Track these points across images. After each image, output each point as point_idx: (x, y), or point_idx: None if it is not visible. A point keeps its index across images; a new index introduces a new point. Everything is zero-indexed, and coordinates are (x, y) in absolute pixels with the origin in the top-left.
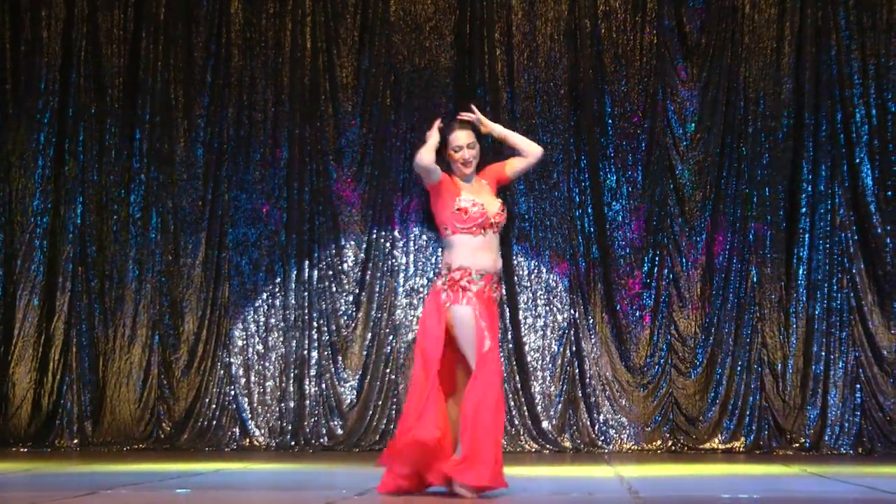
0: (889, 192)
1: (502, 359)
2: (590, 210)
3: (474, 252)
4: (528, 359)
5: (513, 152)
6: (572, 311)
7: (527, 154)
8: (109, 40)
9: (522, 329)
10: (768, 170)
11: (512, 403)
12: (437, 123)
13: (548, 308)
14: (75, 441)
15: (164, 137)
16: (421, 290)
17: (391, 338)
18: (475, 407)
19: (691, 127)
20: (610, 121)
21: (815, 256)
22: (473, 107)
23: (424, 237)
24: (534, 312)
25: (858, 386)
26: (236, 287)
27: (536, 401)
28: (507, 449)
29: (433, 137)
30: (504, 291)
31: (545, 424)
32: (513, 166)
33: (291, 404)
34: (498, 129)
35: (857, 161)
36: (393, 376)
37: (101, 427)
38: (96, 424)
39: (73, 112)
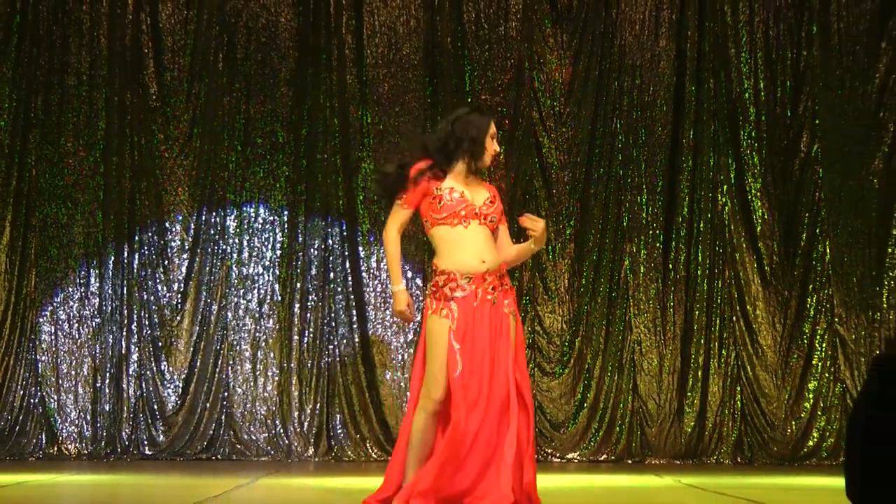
0: (778, 173)
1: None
2: None
3: (457, 249)
4: (376, 357)
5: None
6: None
7: (505, 255)
8: None
9: (370, 324)
10: (645, 148)
11: (357, 407)
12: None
13: None
14: None
15: None
16: (257, 277)
17: (222, 333)
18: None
19: (560, 100)
20: (469, 92)
21: (696, 244)
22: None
23: (261, 219)
24: (382, 306)
25: (739, 388)
26: (44, 274)
27: (385, 404)
28: (350, 458)
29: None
30: (498, 296)
31: (394, 430)
32: (501, 232)
33: (107, 408)
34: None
35: (743, 139)
36: (223, 376)
37: None
38: None
39: None
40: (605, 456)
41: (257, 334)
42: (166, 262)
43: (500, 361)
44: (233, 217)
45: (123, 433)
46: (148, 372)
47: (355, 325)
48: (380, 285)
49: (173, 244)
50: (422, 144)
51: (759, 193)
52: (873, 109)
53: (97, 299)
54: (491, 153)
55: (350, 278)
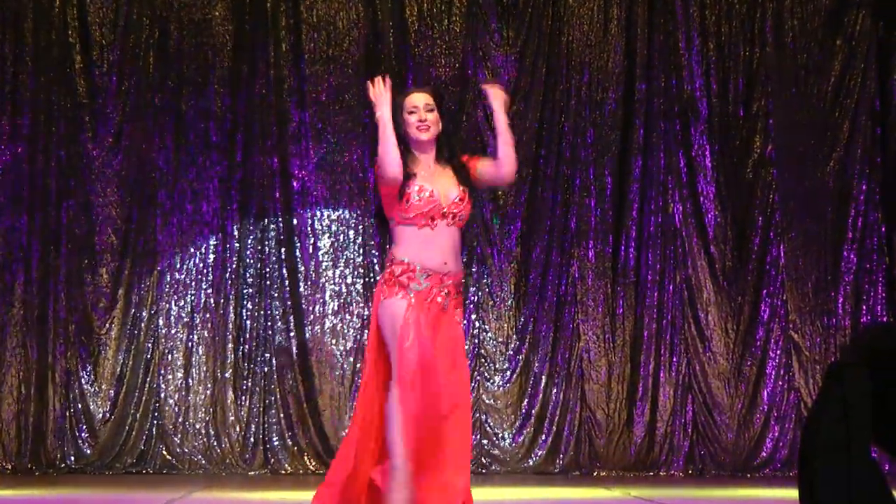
0: (731, 175)
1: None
2: None
3: (421, 246)
4: (314, 365)
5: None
6: (366, 310)
7: (501, 163)
8: None
9: (307, 332)
10: (593, 149)
11: (294, 418)
12: (386, 84)
13: (339, 305)
14: None
15: None
16: (190, 283)
17: (153, 341)
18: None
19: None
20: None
21: (646, 248)
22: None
23: (194, 221)
24: (321, 313)
25: (690, 397)
26: None
27: (324, 415)
28: (288, 470)
29: (385, 114)
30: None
31: (334, 442)
32: (483, 167)
33: (31, 420)
34: (501, 116)
35: (695, 139)
36: (154, 386)
37: None
38: None
39: None
40: (552, 468)
41: (190, 343)
42: (94, 267)
43: (450, 367)
44: (164, 219)
45: (49, 446)
46: (75, 382)
47: (293, 333)
48: (318, 291)
49: (101, 247)
50: None
51: (711, 195)
52: (828, 109)
53: (21, 306)
54: (412, 125)
55: (287, 283)
